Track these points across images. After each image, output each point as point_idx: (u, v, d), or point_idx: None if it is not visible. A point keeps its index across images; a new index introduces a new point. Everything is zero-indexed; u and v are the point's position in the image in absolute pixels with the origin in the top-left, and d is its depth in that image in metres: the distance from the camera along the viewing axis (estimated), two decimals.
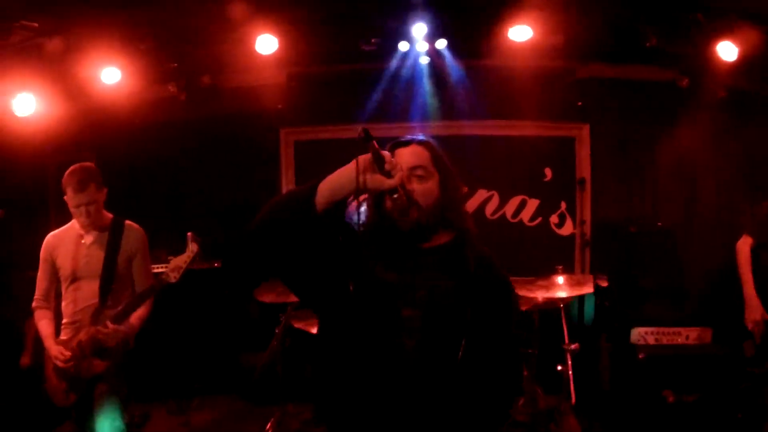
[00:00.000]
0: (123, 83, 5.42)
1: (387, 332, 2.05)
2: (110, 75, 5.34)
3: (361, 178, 1.95)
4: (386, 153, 1.99)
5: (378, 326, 2.05)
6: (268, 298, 4.90)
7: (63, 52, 5.11)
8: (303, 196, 1.99)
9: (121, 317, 3.67)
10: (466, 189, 2.42)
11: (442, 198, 2.20)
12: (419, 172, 2.17)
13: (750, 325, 4.71)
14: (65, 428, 3.87)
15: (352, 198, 2.04)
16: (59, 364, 3.66)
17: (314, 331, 4.42)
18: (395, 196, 2.04)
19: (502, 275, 2.24)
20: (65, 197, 3.72)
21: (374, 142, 1.92)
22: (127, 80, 5.42)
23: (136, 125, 5.71)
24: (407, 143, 2.24)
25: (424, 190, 2.17)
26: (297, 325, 4.70)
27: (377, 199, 2.13)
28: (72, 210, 3.74)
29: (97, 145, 4.51)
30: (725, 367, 5.00)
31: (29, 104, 5.31)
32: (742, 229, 4.87)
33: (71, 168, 3.72)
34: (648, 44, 5.17)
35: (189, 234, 3.76)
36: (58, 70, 5.26)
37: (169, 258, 3.77)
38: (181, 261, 3.72)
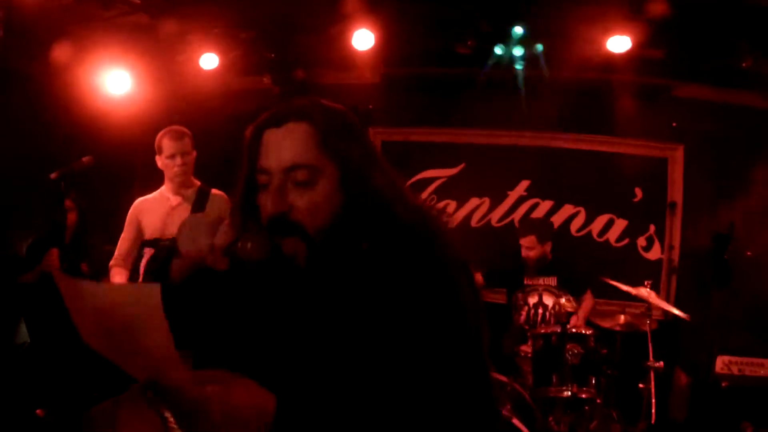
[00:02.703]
0: (219, 70, 5.44)
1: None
2: (208, 61, 5.37)
3: None
4: None
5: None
6: None
7: (171, 34, 5.18)
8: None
9: None
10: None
11: (347, 205, 1.36)
12: (300, 175, 1.34)
13: None
14: None
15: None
16: None
17: None
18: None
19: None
20: (157, 156, 3.83)
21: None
22: (224, 68, 5.45)
23: (229, 114, 5.71)
24: (280, 121, 1.38)
25: (310, 203, 1.34)
26: None
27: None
28: (165, 163, 3.80)
29: (189, 130, 4.51)
30: None
31: (124, 82, 5.33)
32: None
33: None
34: (744, 64, 5.07)
35: None
36: (156, 50, 5.33)
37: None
38: None
